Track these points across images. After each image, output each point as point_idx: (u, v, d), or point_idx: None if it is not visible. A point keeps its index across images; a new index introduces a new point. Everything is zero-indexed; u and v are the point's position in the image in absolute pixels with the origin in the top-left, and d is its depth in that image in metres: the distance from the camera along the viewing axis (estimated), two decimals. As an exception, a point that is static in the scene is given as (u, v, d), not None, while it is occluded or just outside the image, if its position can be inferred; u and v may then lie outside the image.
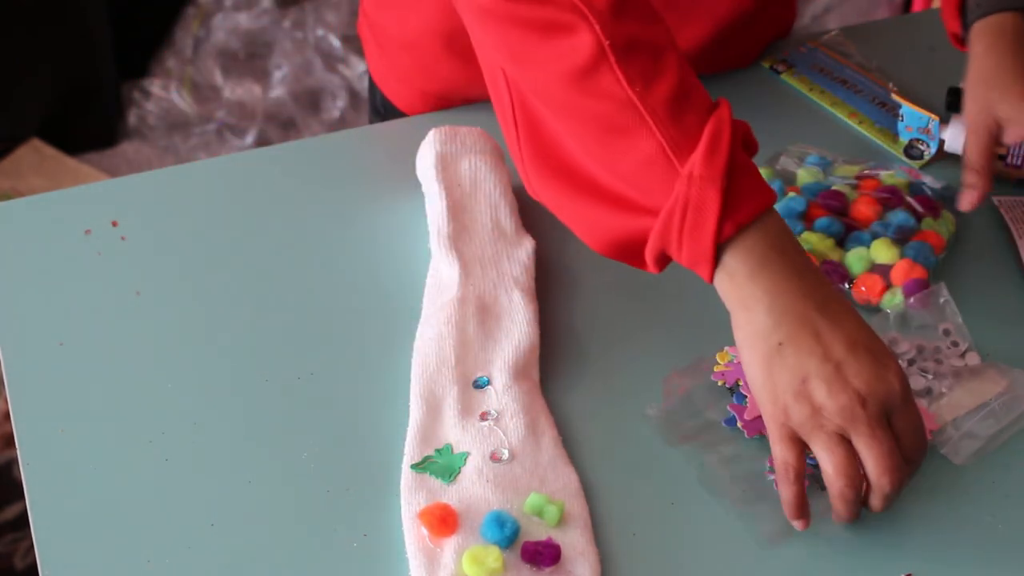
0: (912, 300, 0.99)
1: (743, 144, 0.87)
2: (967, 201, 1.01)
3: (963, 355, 0.95)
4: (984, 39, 1.01)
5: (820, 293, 0.84)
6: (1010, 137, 1.01)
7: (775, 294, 0.84)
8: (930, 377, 0.94)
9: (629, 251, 0.89)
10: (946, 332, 0.96)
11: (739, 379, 0.93)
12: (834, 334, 0.83)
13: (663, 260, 0.88)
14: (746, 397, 0.93)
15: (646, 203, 0.86)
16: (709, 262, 0.85)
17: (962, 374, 0.94)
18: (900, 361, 0.94)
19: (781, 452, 0.84)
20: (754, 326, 0.84)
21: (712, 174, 0.83)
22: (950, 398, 0.92)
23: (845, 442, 0.82)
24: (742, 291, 0.85)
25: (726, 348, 0.96)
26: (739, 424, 0.92)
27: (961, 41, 1.09)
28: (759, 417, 0.89)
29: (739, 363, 0.92)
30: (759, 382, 0.84)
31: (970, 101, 1.03)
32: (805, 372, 0.83)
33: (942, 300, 0.97)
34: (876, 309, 1.01)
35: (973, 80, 1.03)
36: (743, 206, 0.84)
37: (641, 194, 0.86)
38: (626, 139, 0.86)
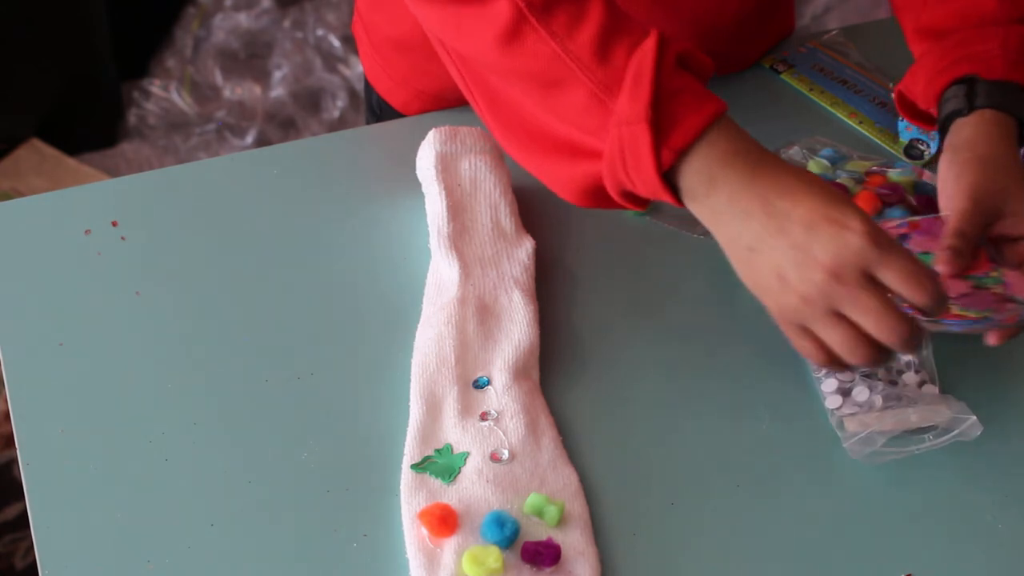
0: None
1: (679, 66, 0.87)
2: (949, 264, 0.91)
3: (920, 385, 0.95)
4: (995, 128, 0.96)
5: (775, 183, 0.84)
6: (1010, 227, 0.95)
7: (733, 201, 0.85)
8: (878, 389, 0.94)
9: (598, 196, 0.91)
10: (909, 364, 0.96)
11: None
12: (792, 219, 0.83)
13: (634, 197, 0.89)
14: None
15: (596, 146, 0.88)
16: (665, 191, 0.86)
17: (912, 398, 0.94)
18: (855, 373, 0.94)
19: (799, 345, 0.86)
20: (726, 237, 0.86)
21: (637, 111, 0.84)
22: (898, 412, 0.92)
23: (842, 319, 0.83)
24: (705, 207, 0.86)
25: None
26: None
27: (918, 116, 1.06)
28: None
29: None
30: (751, 287, 0.87)
31: (977, 176, 0.95)
32: (778, 267, 0.84)
33: None
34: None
35: (979, 159, 0.96)
36: (677, 131, 0.85)
37: (590, 138, 0.88)
38: (563, 90, 0.88)
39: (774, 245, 0.84)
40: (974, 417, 0.91)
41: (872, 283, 0.82)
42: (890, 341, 0.82)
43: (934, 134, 1.13)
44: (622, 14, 0.88)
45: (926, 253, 0.94)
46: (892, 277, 0.82)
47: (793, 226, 0.83)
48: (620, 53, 0.86)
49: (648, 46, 0.86)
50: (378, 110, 1.26)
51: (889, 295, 0.82)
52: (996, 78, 0.97)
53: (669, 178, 0.86)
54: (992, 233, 0.94)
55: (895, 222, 0.98)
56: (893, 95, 1.08)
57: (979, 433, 0.91)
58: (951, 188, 0.95)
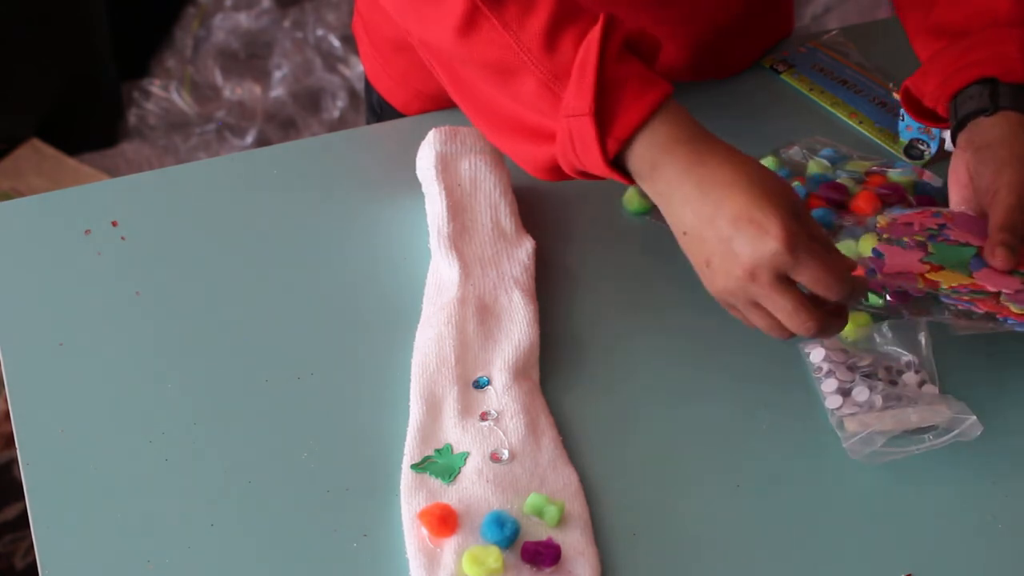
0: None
1: (627, 50, 0.89)
2: (1005, 260, 0.93)
3: (920, 385, 0.95)
4: (1021, 130, 0.98)
5: (712, 174, 0.87)
6: None
7: (673, 186, 0.89)
8: (878, 389, 0.94)
9: (559, 173, 0.94)
10: (910, 364, 0.96)
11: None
12: (720, 213, 0.86)
13: (589, 174, 0.92)
14: (883, 254, 0.95)
15: (551, 129, 0.91)
16: (615, 174, 0.90)
17: (912, 398, 0.94)
18: (855, 373, 0.94)
19: (746, 321, 0.90)
20: (668, 218, 0.91)
21: (581, 105, 0.88)
22: (898, 412, 0.92)
23: (761, 307, 0.88)
24: (650, 188, 0.90)
25: (885, 211, 1.00)
26: (877, 276, 0.94)
27: (925, 115, 1.07)
28: (898, 273, 0.93)
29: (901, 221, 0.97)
30: (695, 268, 0.91)
31: (1020, 172, 0.97)
32: (707, 254, 0.88)
33: (920, 336, 0.97)
34: (861, 303, 1.01)
35: (1018, 157, 0.98)
36: (619, 122, 0.88)
37: (546, 120, 0.91)
38: (517, 78, 0.91)
39: (704, 234, 0.88)
40: (974, 417, 0.91)
41: (785, 283, 0.86)
42: (801, 333, 0.87)
43: (935, 133, 1.13)
44: (572, 1, 0.91)
45: (965, 244, 0.95)
46: (805, 280, 0.86)
47: (721, 220, 0.86)
48: (568, 43, 0.89)
49: (593, 36, 0.89)
50: (379, 110, 1.26)
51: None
52: (1016, 81, 0.99)
53: (618, 162, 0.90)
54: None
55: (930, 212, 0.99)
56: (900, 91, 1.09)
57: (979, 433, 0.91)
58: (988, 182, 0.96)
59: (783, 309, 0.86)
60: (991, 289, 0.92)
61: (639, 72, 0.89)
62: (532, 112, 0.92)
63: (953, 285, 0.93)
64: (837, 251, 0.88)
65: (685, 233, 0.89)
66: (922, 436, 0.92)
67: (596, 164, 0.89)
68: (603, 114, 0.88)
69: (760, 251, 0.85)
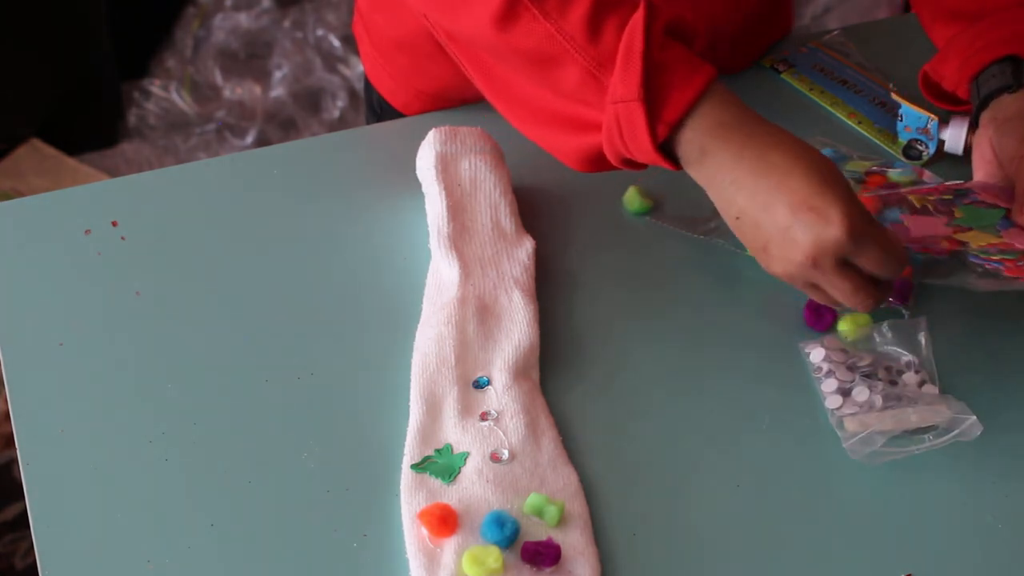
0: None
1: (667, 36, 0.89)
2: None
3: (921, 385, 0.95)
4: None
5: (763, 159, 0.88)
6: None
7: (724, 171, 0.89)
8: (878, 389, 0.94)
9: (600, 163, 0.94)
10: (910, 364, 0.96)
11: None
12: (778, 200, 0.87)
13: (633, 163, 0.92)
14: (905, 222, 0.96)
15: (595, 118, 0.91)
16: (663, 161, 0.90)
17: (912, 398, 0.94)
18: (855, 373, 0.94)
19: (810, 296, 0.91)
20: (719, 202, 0.91)
21: (629, 90, 0.88)
22: (898, 412, 0.92)
23: (819, 287, 0.89)
24: (700, 173, 0.90)
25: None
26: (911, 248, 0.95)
27: (946, 97, 1.08)
28: (924, 236, 0.95)
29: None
30: (749, 251, 0.92)
31: None
32: (764, 240, 0.89)
33: (920, 336, 0.97)
34: None
35: None
36: (669, 106, 0.88)
37: (588, 110, 0.91)
38: (558, 68, 0.91)
39: (759, 220, 0.88)
40: (974, 417, 0.91)
41: (846, 268, 0.87)
42: (860, 310, 0.90)
43: (933, 133, 1.13)
44: None
45: (993, 206, 0.96)
46: (866, 263, 0.87)
47: (779, 207, 0.86)
48: (611, 29, 0.89)
49: (636, 21, 0.88)
50: (379, 110, 1.26)
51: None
52: None
53: (665, 148, 0.90)
54: None
55: (954, 185, 0.99)
56: (919, 76, 1.09)
57: (979, 433, 0.91)
58: (1012, 151, 0.97)
59: (844, 290, 0.88)
60: (1020, 247, 0.93)
61: (684, 56, 0.89)
62: (574, 102, 0.92)
63: (981, 245, 0.94)
64: (888, 231, 0.89)
65: (738, 218, 0.89)
66: (922, 436, 0.92)
67: (644, 150, 0.89)
68: (652, 99, 0.88)
69: (823, 239, 0.85)
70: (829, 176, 0.87)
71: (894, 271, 0.88)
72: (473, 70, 0.98)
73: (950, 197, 0.97)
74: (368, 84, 1.27)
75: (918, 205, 0.97)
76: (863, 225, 0.86)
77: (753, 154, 0.88)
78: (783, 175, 0.87)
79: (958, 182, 1.01)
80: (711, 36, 1.15)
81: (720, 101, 0.89)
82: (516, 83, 0.95)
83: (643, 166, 0.92)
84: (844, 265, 0.87)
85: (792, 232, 0.86)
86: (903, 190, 1.00)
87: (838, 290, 0.88)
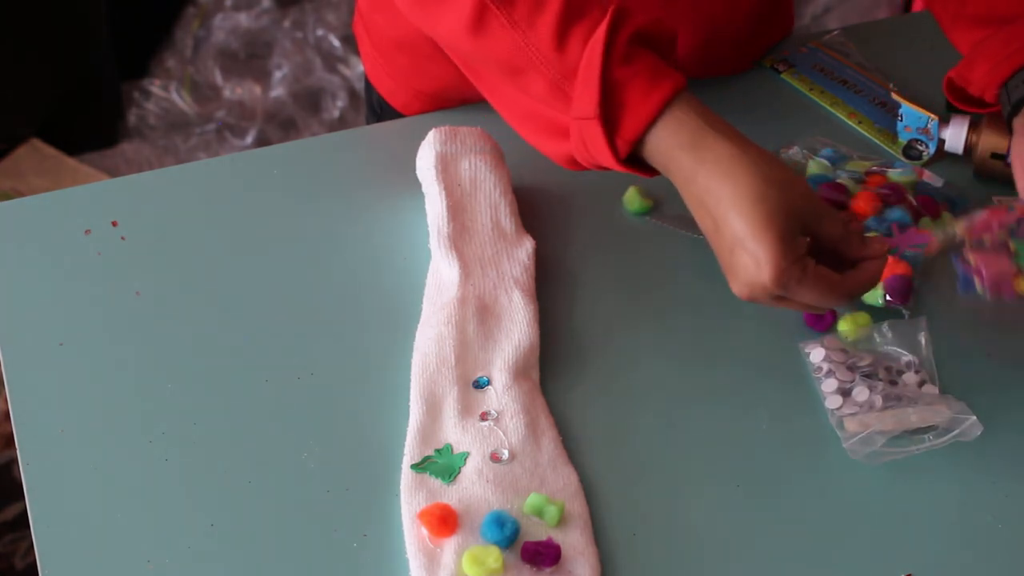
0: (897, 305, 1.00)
1: (633, 46, 0.88)
2: None
3: (921, 385, 0.95)
4: None
5: (709, 190, 0.87)
6: None
7: (682, 189, 0.89)
8: (878, 389, 0.94)
9: (580, 165, 0.94)
10: (910, 364, 0.96)
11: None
12: (721, 232, 0.87)
13: (608, 168, 0.93)
14: (972, 262, 0.96)
15: (567, 124, 0.91)
16: (631, 170, 0.91)
17: (912, 398, 0.94)
18: (855, 373, 0.94)
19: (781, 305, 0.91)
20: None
21: (588, 107, 0.88)
22: (898, 412, 0.92)
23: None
24: (669, 178, 0.90)
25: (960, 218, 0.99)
26: (978, 287, 0.95)
27: (977, 103, 1.07)
28: (995, 280, 0.95)
29: (980, 222, 0.97)
30: None
31: None
32: (720, 261, 0.89)
33: (920, 336, 0.97)
34: (858, 302, 1.01)
35: None
36: (624, 125, 0.88)
37: (560, 116, 0.92)
38: (527, 76, 0.92)
39: (715, 243, 0.89)
40: (974, 417, 0.91)
41: (783, 299, 0.88)
42: (822, 310, 0.91)
43: (933, 133, 1.13)
44: None
45: None
46: (797, 305, 0.89)
47: (723, 239, 0.87)
48: (576, 40, 0.89)
49: (599, 35, 0.88)
50: (379, 110, 1.26)
51: None
52: None
53: (634, 159, 0.90)
54: None
55: (1004, 208, 0.99)
56: (943, 81, 1.09)
57: (979, 433, 0.91)
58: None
59: (798, 307, 0.89)
60: None
61: (646, 69, 0.88)
62: (547, 108, 0.92)
63: None
64: (854, 239, 0.89)
65: (704, 232, 0.90)
66: (922, 436, 0.92)
67: (611, 163, 0.90)
68: (609, 117, 0.88)
69: (754, 282, 0.86)
70: (772, 211, 0.85)
71: (834, 304, 0.89)
72: (468, 72, 0.99)
73: (1004, 237, 0.97)
74: (368, 84, 1.27)
75: (985, 244, 0.97)
76: (791, 271, 0.85)
77: (704, 180, 0.87)
78: (726, 208, 0.86)
79: (1011, 208, 1.00)
80: (710, 36, 1.15)
81: (680, 116, 0.88)
82: (498, 86, 0.96)
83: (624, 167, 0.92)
84: (783, 298, 0.88)
85: (732, 267, 0.88)
86: (965, 232, 1.00)
87: (793, 307, 0.89)
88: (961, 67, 1.06)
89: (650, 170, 0.91)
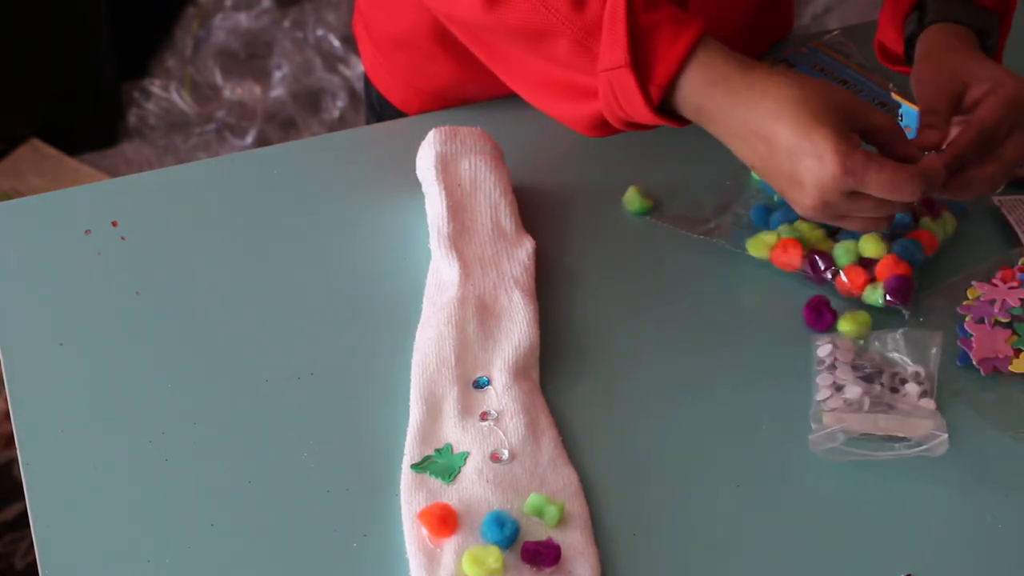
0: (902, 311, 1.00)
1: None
2: (927, 138, 0.95)
3: (920, 396, 0.95)
4: (944, 35, 1.01)
5: (754, 110, 0.88)
6: (975, 92, 0.98)
7: (723, 129, 0.90)
8: (875, 392, 0.94)
9: (607, 128, 0.95)
10: (916, 375, 0.96)
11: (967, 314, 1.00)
12: (775, 148, 0.88)
13: (637, 124, 0.93)
14: (972, 334, 0.98)
15: (592, 84, 0.92)
16: (664, 120, 0.91)
17: (900, 408, 0.94)
18: (860, 373, 0.95)
19: (844, 226, 0.92)
20: (737, 155, 0.91)
21: (617, 57, 0.89)
22: (890, 416, 0.92)
23: (848, 216, 0.90)
24: (704, 127, 0.91)
25: (974, 283, 1.01)
26: (973, 361, 0.97)
27: (888, 55, 1.10)
28: (988, 358, 0.97)
29: (986, 299, 1.00)
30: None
31: (933, 67, 1.00)
32: (781, 186, 0.90)
33: (932, 349, 0.98)
34: (858, 301, 1.01)
35: (933, 55, 1.01)
36: (657, 69, 0.89)
37: (585, 77, 0.92)
38: (548, 40, 0.92)
39: (768, 170, 0.89)
40: (944, 435, 0.91)
41: (857, 195, 0.87)
42: (897, 211, 0.90)
43: None
44: None
45: None
46: (874, 192, 0.87)
47: (778, 155, 0.88)
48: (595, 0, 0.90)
49: None
50: (378, 107, 1.26)
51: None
52: None
53: (665, 108, 0.91)
54: (965, 106, 0.97)
55: (1016, 281, 1.02)
56: (874, 45, 1.12)
57: (944, 451, 0.91)
58: (914, 91, 0.99)
59: (867, 210, 0.89)
60: None
61: (669, 16, 0.90)
62: (570, 71, 0.93)
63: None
64: (904, 139, 0.90)
65: (753, 167, 0.91)
66: (892, 444, 0.92)
67: (643, 114, 0.90)
68: (640, 63, 0.89)
69: (823, 179, 0.86)
70: (818, 111, 0.87)
71: (907, 192, 0.87)
72: (477, 49, 0.99)
73: (1006, 321, 0.99)
74: (368, 82, 1.27)
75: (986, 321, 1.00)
76: (856, 156, 0.86)
77: (743, 110, 0.88)
78: (773, 122, 0.87)
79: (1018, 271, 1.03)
80: (710, 32, 1.15)
81: (708, 58, 0.89)
82: (516, 57, 0.96)
83: (651, 126, 0.93)
84: (855, 194, 0.87)
85: (798, 177, 0.87)
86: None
87: (861, 211, 0.88)
88: (879, 26, 1.10)
89: (681, 119, 0.91)
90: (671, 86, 0.89)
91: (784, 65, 1.23)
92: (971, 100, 0.97)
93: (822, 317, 1.00)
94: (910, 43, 1.04)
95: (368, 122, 1.31)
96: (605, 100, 0.91)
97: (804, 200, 0.88)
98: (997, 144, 0.95)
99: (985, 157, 0.94)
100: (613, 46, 0.89)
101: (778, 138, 0.87)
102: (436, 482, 0.88)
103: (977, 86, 0.96)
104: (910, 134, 1.13)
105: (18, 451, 0.91)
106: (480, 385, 0.93)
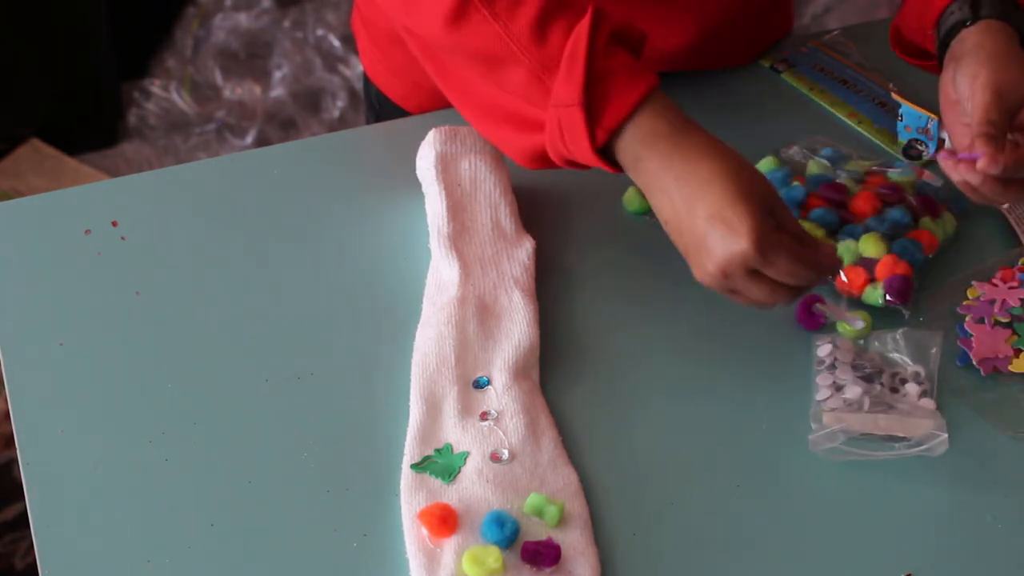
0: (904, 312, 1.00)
1: (614, 42, 0.91)
2: (983, 147, 0.92)
3: (920, 396, 0.95)
4: (1001, 35, 0.97)
5: (689, 168, 0.89)
6: None
7: (653, 179, 0.91)
8: (875, 392, 0.94)
9: (546, 162, 0.96)
10: (916, 375, 0.96)
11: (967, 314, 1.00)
12: (696, 209, 0.89)
13: (577, 163, 0.94)
14: (972, 334, 0.99)
15: (540, 118, 0.93)
16: (602, 163, 0.92)
17: (900, 408, 0.94)
18: (860, 373, 0.95)
19: (732, 300, 0.92)
20: (654, 208, 0.92)
21: (570, 95, 0.90)
22: (890, 416, 0.92)
23: (738, 293, 0.91)
24: (637, 180, 0.92)
25: (974, 283, 1.02)
26: (973, 361, 0.97)
27: (912, 51, 1.07)
28: (988, 358, 0.97)
29: (986, 299, 1.01)
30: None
31: (996, 70, 0.95)
32: (685, 247, 0.91)
33: (932, 349, 0.98)
34: (858, 301, 1.01)
35: (994, 56, 0.96)
36: (608, 113, 0.90)
37: (534, 110, 0.93)
38: (505, 68, 0.93)
39: (681, 227, 0.90)
40: (944, 435, 0.91)
41: (756, 276, 0.88)
42: (778, 306, 0.91)
43: (933, 133, 1.13)
44: None
45: None
46: (774, 275, 0.88)
47: (697, 217, 0.88)
48: (557, 33, 0.91)
49: (582, 27, 0.90)
50: (377, 105, 1.26)
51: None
52: None
53: (605, 152, 0.91)
54: (1017, 123, 0.94)
55: (1017, 281, 1.02)
56: (889, 30, 1.09)
57: (944, 451, 0.91)
58: (967, 88, 0.95)
59: (757, 296, 0.89)
60: None
61: (627, 64, 0.91)
62: (521, 101, 0.93)
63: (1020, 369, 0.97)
64: (808, 237, 0.91)
65: (667, 223, 0.91)
66: (892, 444, 0.92)
67: (584, 154, 0.91)
68: (592, 105, 0.89)
69: (731, 250, 0.87)
70: (748, 187, 0.88)
71: (803, 280, 0.89)
72: (430, 65, 0.99)
73: (1006, 321, 0.99)
74: (366, 79, 1.27)
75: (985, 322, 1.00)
76: (772, 238, 0.87)
77: (679, 164, 0.89)
78: (703, 185, 0.88)
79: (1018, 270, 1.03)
80: (708, 29, 1.15)
81: (657, 111, 0.90)
82: (469, 80, 0.97)
83: (587, 167, 0.94)
84: (755, 274, 0.88)
85: (707, 241, 0.88)
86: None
87: (752, 295, 0.90)
88: (902, 12, 1.07)
89: (616, 166, 0.92)
90: (617, 131, 0.90)
91: (784, 65, 1.23)
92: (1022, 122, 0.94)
93: (813, 317, 1.00)
94: (948, 36, 0.99)
95: (368, 120, 1.31)
96: (551, 135, 0.92)
97: (706, 266, 0.89)
98: None
99: None
100: (568, 84, 0.90)
101: (703, 200, 0.88)
102: (436, 482, 0.88)
103: None
104: (910, 134, 1.13)
105: (18, 451, 0.91)
106: (480, 385, 0.93)
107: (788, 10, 1.26)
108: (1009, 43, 0.97)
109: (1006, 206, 1.09)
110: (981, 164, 0.92)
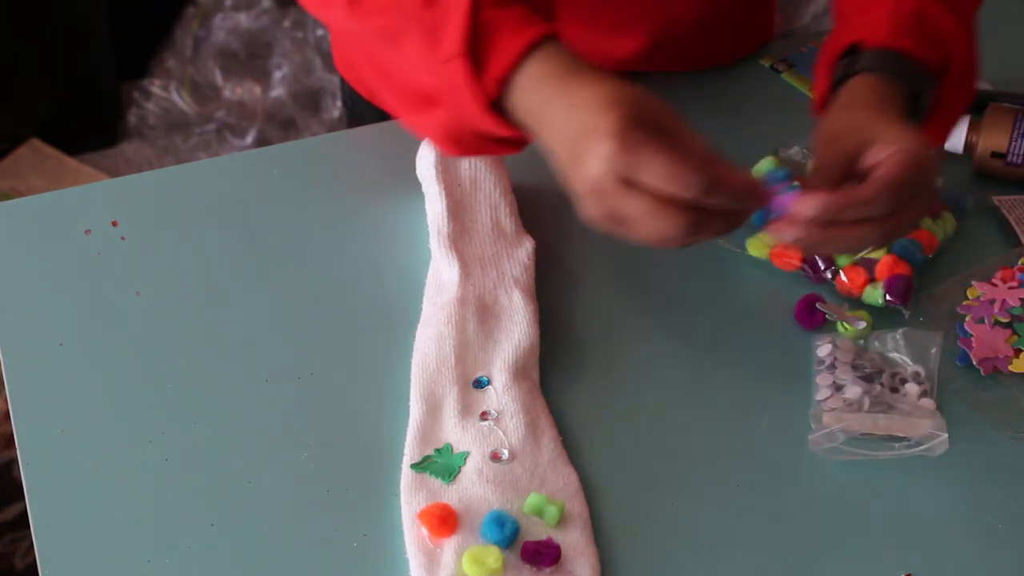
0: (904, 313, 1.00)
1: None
2: (811, 197, 0.83)
3: (920, 396, 0.95)
4: (862, 87, 0.92)
5: (575, 104, 0.80)
6: (874, 155, 0.86)
7: (539, 119, 0.83)
8: (875, 392, 0.94)
9: (464, 142, 0.89)
10: (916, 375, 0.96)
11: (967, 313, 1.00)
12: (570, 133, 0.80)
13: (495, 139, 0.87)
14: (972, 334, 0.98)
15: (438, 88, 0.87)
16: (497, 123, 0.84)
17: (901, 408, 0.94)
18: (860, 373, 0.95)
19: (621, 234, 0.82)
20: (545, 147, 0.84)
21: (454, 47, 0.83)
22: (890, 416, 0.92)
23: (623, 222, 0.81)
24: (530, 130, 0.84)
25: (974, 283, 1.01)
26: (973, 361, 0.97)
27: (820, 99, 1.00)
28: (988, 357, 0.97)
29: (986, 299, 1.00)
30: None
31: (834, 121, 0.91)
32: (565, 175, 0.82)
33: (932, 349, 0.98)
34: (858, 301, 1.01)
35: (839, 108, 0.92)
36: (493, 62, 0.83)
37: (431, 78, 0.87)
38: (404, 41, 0.87)
39: (562, 158, 0.82)
40: (944, 435, 0.91)
41: (633, 188, 0.78)
42: (671, 237, 0.79)
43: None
44: None
45: None
46: (651, 178, 0.78)
47: (571, 137, 0.80)
48: None
49: None
50: (350, 102, 1.26)
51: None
52: (878, 45, 0.93)
53: (500, 111, 0.85)
54: (861, 168, 0.86)
55: (1017, 281, 1.02)
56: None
57: (944, 451, 0.91)
58: (815, 142, 0.90)
59: (641, 216, 0.79)
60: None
61: (518, 14, 0.84)
62: (423, 74, 0.88)
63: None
64: (697, 143, 0.80)
65: (557, 164, 0.83)
66: (892, 444, 0.92)
67: (476, 111, 0.84)
68: (477, 54, 0.83)
69: (598, 155, 0.78)
70: (622, 102, 0.79)
71: (686, 183, 0.77)
72: (361, 61, 0.97)
73: (1006, 321, 0.99)
74: (342, 80, 1.27)
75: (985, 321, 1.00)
76: (638, 135, 0.77)
77: (565, 99, 0.81)
78: (581, 107, 0.80)
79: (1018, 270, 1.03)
80: (665, 30, 1.14)
81: (549, 55, 0.83)
82: (384, 65, 0.93)
83: (505, 143, 0.87)
84: (630, 185, 0.78)
85: (577, 156, 0.79)
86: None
87: (635, 213, 0.78)
88: (817, 65, 1.01)
89: (512, 129, 0.85)
90: (507, 81, 0.83)
91: (784, 65, 1.23)
92: (870, 162, 0.86)
93: (813, 315, 1.00)
94: (834, 87, 0.94)
95: (345, 117, 1.31)
96: (447, 100, 0.86)
97: (579, 181, 0.80)
98: (888, 207, 0.83)
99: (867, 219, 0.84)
100: (452, 35, 0.83)
101: (579, 120, 0.79)
102: (436, 482, 0.88)
103: (880, 147, 0.85)
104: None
105: (18, 451, 0.91)
106: (480, 385, 0.93)
107: (768, 16, 1.26)
108: (868, 91, 0.92)
109: (999, 199, 1.09)
110: (794, 207, 0.83)
